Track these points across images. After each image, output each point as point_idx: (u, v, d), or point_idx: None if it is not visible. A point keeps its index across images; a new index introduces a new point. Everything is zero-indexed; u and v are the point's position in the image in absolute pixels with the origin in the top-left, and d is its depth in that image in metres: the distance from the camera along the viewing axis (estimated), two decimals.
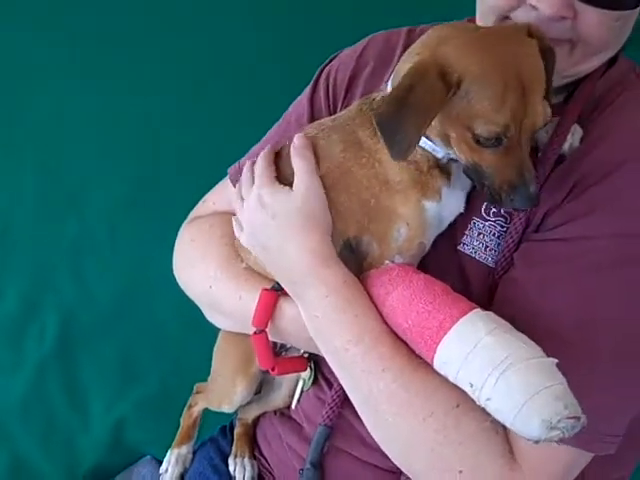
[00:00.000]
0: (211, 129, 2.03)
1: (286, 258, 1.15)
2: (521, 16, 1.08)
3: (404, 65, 1.05)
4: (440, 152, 1.08)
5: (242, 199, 1.25)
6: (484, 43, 1.00)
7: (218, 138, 2.01)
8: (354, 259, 1.13)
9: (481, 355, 0.92)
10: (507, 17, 1.10)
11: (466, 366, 0.93)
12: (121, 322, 2.04)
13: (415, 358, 1.03)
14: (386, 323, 1.06)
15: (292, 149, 1.17)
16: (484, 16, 1.15)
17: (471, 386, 0.92)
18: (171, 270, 1.47)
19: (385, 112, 1.01)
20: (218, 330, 1.44)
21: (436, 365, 0.98)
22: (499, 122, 0.97)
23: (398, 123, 0.99)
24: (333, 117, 1.24)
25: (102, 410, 2.03)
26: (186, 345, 2.02)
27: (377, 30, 1.41)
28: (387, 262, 1.11)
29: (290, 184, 1.16)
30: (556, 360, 0.91)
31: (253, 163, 1.25)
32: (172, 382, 2.00)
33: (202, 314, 1.42)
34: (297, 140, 1.17)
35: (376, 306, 1.08)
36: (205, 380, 1.55)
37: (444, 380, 0.98)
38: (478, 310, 0.98)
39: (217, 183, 1.51)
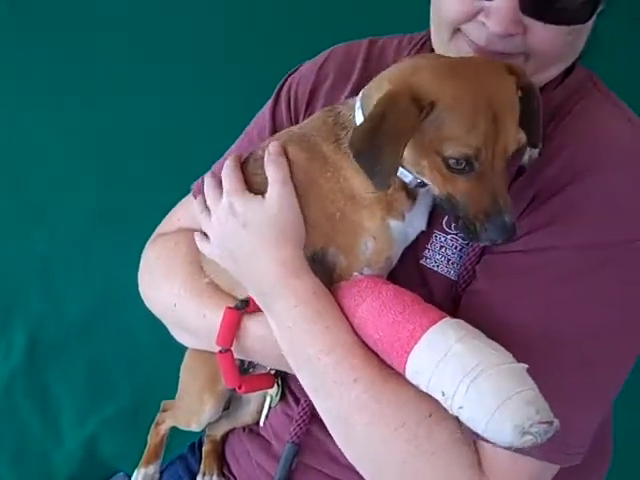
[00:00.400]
0: (180, 143, 2.03)
1: (256, 268, 1.14)
2: (472, 30, 1.08)
3: (375, 93, 1.05)
4: (408, 177, 1.08)
5: (207, 210, 1.23)
6: (458, 71, 1.01)
7: (187, 152, 2.01)
8: (322, 270, 1.13)
9: (452, 363, 0.93)
10: (459, 30, 1.10)
11: (437, 374, 0.94)
12: (91, 337, 2.05)
13: (386, 369, 1.03)
14: (357, 334, 1.07)
15: (267, 156, 1.16)
16: (437, 28, 1.16)
17: (443, 395, 0.93)
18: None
19: (360, 143, 1.01)
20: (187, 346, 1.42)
21: (408, 375, 0.98)
22: (470, 144, 0.97)
23: (375, 153, 0.99)
24: (299, 125, 1.24)
25: (74, 425, 2.04)
26: (157, 360, 2.02)
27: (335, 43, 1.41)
28: (355, 274, 1.11)
29: (258, 192, 1.15)
30: (526, 365, 0.92)
31: (214, 174, 1.24)
32: (144, 397, 2.00)
33: None
34: (272, 147, 1.16)
35: (347, 317, 1.08)
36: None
37: (416, 390, 0.99)
38: (448, 318, 0.99)
39: (186, 195, 1.50)
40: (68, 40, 2.02)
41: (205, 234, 1.26)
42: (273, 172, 1.14)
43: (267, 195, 1.14)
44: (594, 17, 1.08)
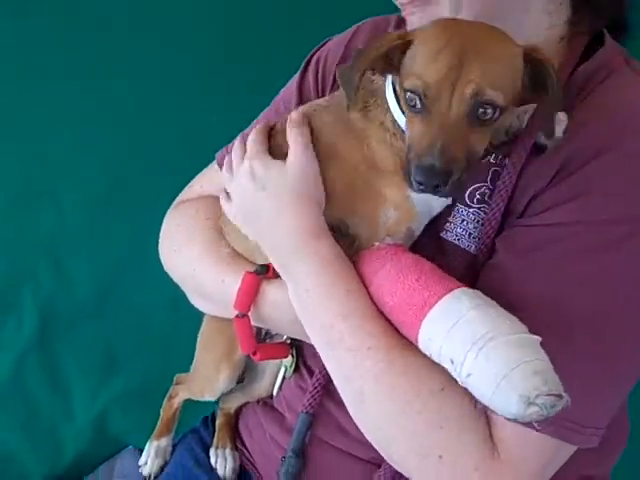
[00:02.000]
0: (190, 121, 2.03)
1: (277, 231, 1.16)
2: None
3: None
4: None
5: (232, 172, 1.26)
6: (456, 24, 1.04)
7: (197, 130, 2.01)
8: (343, 240, 1.14)
9: (463, 329, 0.93)
10: None
11: (448, 341, 0.94)
12: (102, 312, 2.05)
13: (402, 339, 1.04)
14: (374, 302, 1.07)
15: (288, 123, 1.19)
16: None
17: (452, 362, 0.93)
18: (153, 259, 1.48)
19: (346, 64, 1.08)
20: (201, 320, 1.46)
21: (420, 343, 0.99)
22: (422, 77, 0.99)
23: (350, 69, 1.05)
24: (326, 98, 1.27)
25: (84, 400, 2.04)
26: (169, 335, 2.02)
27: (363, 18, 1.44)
28: (377, 243, 1.12)
29: (283, 159, 1.17)
30: (539, 338, 0.92)
31: (244, 137, 1.26)
32: (155, 372, 2.00)
33: (185, 304, 1.44)
34: (294, 114, 1.20)
35: (364, 285, 1.09)
36: (188, 371, 1.56)
37: (430, 363, 0.99)
38: (464, 288, 1.00)
39: (196, 170, 1.54)
40: (79, 24, 2.04)
41: (229, 195, 1.29)
42: (294, 138, 1.17)
43: (287, 160, 1.16)
44: None
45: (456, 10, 1.10)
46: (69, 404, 2.04)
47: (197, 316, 1.46)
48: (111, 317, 2.03)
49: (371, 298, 1.08)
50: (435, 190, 0.99)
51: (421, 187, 1.00)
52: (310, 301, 1.12)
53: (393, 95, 1.11)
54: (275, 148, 1.22)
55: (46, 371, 2.03)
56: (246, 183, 1.20)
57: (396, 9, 1.26)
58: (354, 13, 1.44)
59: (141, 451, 1.67)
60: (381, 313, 1.07)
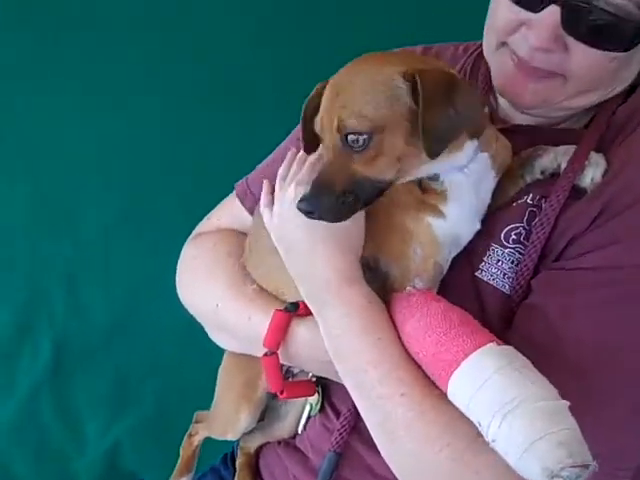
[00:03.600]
0: (206, 146, 2.06)
1: (311, 268, 1.16)
2: (517, 42, 1.12)
3: None
4: None
5: (272, 198, 1.25)
6: (362, 59, 1.11)
7: (213, 155, 2.05)
8: (374, 280, 1.14)
9: (488, 394, 0.92)
10: (505, 43, 1.14)
11: (474, 404, 0.94)
12: (116, 344, 2.07)
13: (434, 387, 1.03)
14: (406, 350, 1.07)
15: None
16: (487, 36, 1.20)
17: (479, 424, 0.93)
18: (167, 291, 1.49)
19: None
20: (217, 352, 1.45)
21: (449, 397, 0.98)
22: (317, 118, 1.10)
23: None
24: None
25: (97, 434, 2.06)
26: (183, 368, 2.05)
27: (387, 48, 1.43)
28: (408, 288, 1.12)
29: None
30: (567, 403, 0.90)
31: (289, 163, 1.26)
32: (168, 406, 2.04)
33: (200, 336, 1.44)
34: None
35: (396, 331, 1.09)
36: (202, 405, 1.56)
37: (462, 414, 0.98)
38: (492, 345, 0.98)
39: (212, 201, 1.53)
40: (99, 44, 2.06)
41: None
42: None
43: None
44: (637, 47, 1.09)
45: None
46: (81, 437, 2.07)
47: (212, 349, 1.44)
48: (125, 349, 2.06)
49: (404, 345, 1.07)
50: (311, 216, 1.06)
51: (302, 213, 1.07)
52: (341, 346, 1.12)
53: None
54: None
55: (59, 403, 2.06)
56: (289, 210, 1.17)
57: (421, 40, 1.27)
58: (377, 43, 1.43)
59: None
60: (413, 360, 1.06)
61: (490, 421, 0.90)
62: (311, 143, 1.17)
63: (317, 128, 1.10)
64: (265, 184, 1.28)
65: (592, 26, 1.05)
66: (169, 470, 1.61)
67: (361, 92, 1.04)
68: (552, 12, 1.05)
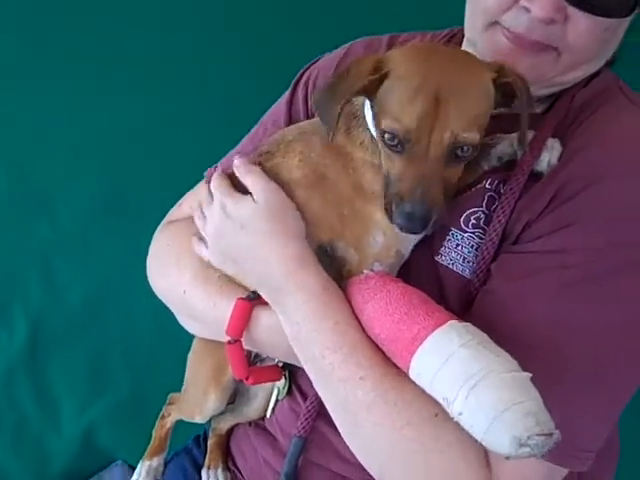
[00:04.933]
0: (185, 131, 2.06)
1: (262, 266, 1.17)
2: (512, 18, 1.12)
3: None
4: None
5: (204, 216, 1.29)
6: (430, 53, 1.07)
7: (192, 140, 2.05)
8: (331, 265, 1.16)
9: (453, 368, 0.94)
10: (496, 22, 1.15)
11: (439, 379, 0.95)
12: (92, 326, 2.08)
13: (393, 367, 1.05)
14: (365, 332, 1.09)
15: (236, 171, 1.23)
16: (472, 18, 1.20)
17: (444, 400, 0.95)
18: (144, 275, 1.49)
19: (320, 93, 1.10)
20: (191, 336, 1.46)
21: (412, 376, 1.01)
22: (401, 120, 1.02)
23: (327, 102, 1.07)
24: (312, 121, 1.28)
25: (73, 414, 2.07)
26: (158, 350, 2.06)
27: (360, 35, 1.44)
28: (366, 271, 1.14)
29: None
30: (530, 374, 0.93)
31: (208, 179, 1.29)
32: (143, 387, 2.05)
33: (174, 319, 1.45)
34: (236, 161, 1.24)
35: (355, 315, 1.11)
36: (176, 387, 1.57)
37: (422, 391, 1.00)
38: (454, 322, 1.01)
39: (191, 186, 1.54)
40: (79, 34, 2.07)
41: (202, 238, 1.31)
42: (249, 179, 1.21)
43: (257, 194, 1.18)
44: (633, 14, 1.13)
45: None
46: (57, 418, 2.07)
47: (186, 333, 1.45)
48: (100, 331, 2.07)
49: (362, 328, 1.09)
50: (416, 233, 1.06)
51: (402, 229, 1.05)
52: (300, 333, 1.13)
53: (371, 115, 1.13)
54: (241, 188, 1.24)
55: (35, 384, 2.06)
56: (221, 222, 1.22)
57: (387, 28, 1.27)
58: (345, 31, 1.44)
59: (129, 465, 1.68)
60: (372, 343, 1.08)
61: (457, 394, 0.92)
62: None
63: (408, 135, 1.01)
64: (194, 208, 1.32)
65: None
66: (144, 451, 1.63)
67: (470, 101, 1.02)
68: None
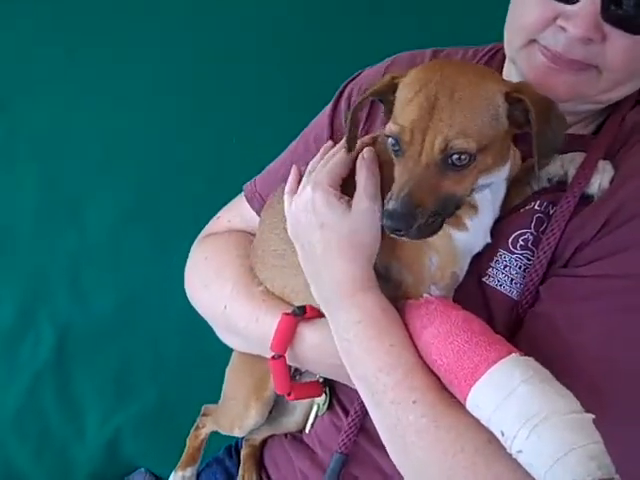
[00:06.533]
0: (216, 142, 2.06)
1: (325, 272, 1.16)
2: (549, 37, 1.12)
3: None
4: None
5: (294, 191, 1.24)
6: (441, 67, 1.07)
7: (223, 151, 2.05)
8: (387, 287, 1.15)
9: (515, 405, 0.93)
10: (534, 40, 1.15)
11: (498, 414, 0.94)
12: (118, 335, 2.08)
13: (447, 393, 1.04)
14: (420, 357, 1.08)
15: (360, 160, 1.17)
16: (511, 36, 1.20)
17: (502, 434, 0.94)
18: (171, 284, 1.50)
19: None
20: (220, 346, 1.46)
21: (468, 407, 1.00)
22: (398, 122, 1.04)
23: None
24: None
25: (97, 422, 2.07)
26: (185, 360, 2.06)
27: (397, 51, 1.45)
28: (425, 295, 1.13)
29: (348, 195, 1.17)
30: (592, 416, 0.92)
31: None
32: (169, 397, 2.05)
33: (203, 329, 1.46)
34: (366, 153, 1.18)
35: (412, 339, 1.10)
36: (204, 396, 1.59)
37: (476, 421, 0.99)
38: (515, 355, 0.99)
39: (220, 197, 1.55)
40: (110, 41, 2.07)
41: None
42: (364, 181, 1.15)
43: (353, 204, 1.15)
44: None
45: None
46: (82, 425, 2.07)
47: (215, 342, 1.46)
48: (127, 339, 2.07)
49: (418, 352, 1.08)
50: (398, 234, 1.04)
51: (387, 229, 1.05)
52: (353, 350, 1.13)
53: None
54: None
55: (60, 392, 2.07)
56: (304, 212, 1.18)
57: (430, 43, 1.28)
58: (387, 46, 1.45)
59: (153, 474, 1.68)
60: (428, 368, 1.07)
61: (517, 432, 0.91)
62: (355, 135, 1.17)
63: (402, 136, 1.03)
64: (293, 170, 1.27)
65: (632, 12, 1.07)
66: (169, 460, 1.65)
67: (468, 110, 1.01)
68: (592, 1, 1.07)
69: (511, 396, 0.94)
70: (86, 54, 2.04)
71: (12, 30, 2.02)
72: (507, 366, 0.97)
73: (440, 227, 1.05)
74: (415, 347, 1.09)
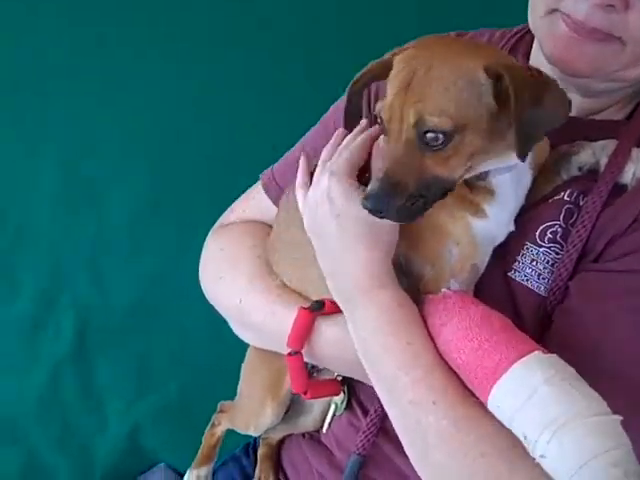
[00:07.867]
0: (236, 130, 2.05)
1: (342, 266, 1.12)
2: (570, 6, 1.06)
3: None
4: None
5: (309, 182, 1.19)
6: (432, 43, 1.06)
7: (243, 139, 2.04)
8: (407, 281, 1.11)
9: (536, 407, 0.89)
10: (555, 9, 1.09)
11: (520, 417, 0.90)
12: (140, 325, 2.08)
13: (468, 394, 1.00)
14: (440, 355, 1.03)
15: (376, 148, 1.13)
16: (534, 5, 1.15)
17: (525, 438, 0.90)
18: (193, 273, 1.47)
19: None
20: (240, 340, 1.42)
21: (489, 407, 0.95)
22: (382, 99, 1.02)
23: None
24: None
25: (118, 414, 2.08)
26: (206, 352, 2.06)
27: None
28: (444, 290, 1.08)
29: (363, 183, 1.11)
30: (620, 418, 0.87)
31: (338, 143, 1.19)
32: (190, 390, 2.05)
33: (224, 320, 1.42)
34: (383, 140, 1.12)
35: (430, 335, 1.05)
36: (224, 390, 1.55)
37: (498, 422, 0.95)
38: (537, 353, 0.94)
39: (241, 185, 1.51)
40: (136, 32, 2.08)
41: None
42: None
43: None
44: None
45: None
46: (103, 418, 2.08)
47: (236, 336, 1.42)
48: (148, 332, 2.07)
49: (437, 350, 1.04)
50: (379, 215, 1.00)
51: (368, 210, 1.00)
52: (371, 348, 1.08)
53: None
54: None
55: (81, 384, 2.07)
56: (321, 201, 1.13)
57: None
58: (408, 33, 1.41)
59: (172, 468, 1.66)
60: (448, 367, 1.02)
61: (539, 436, 0.87)
62: (353, 118, 1.15)
63: (383, 114, 1.01)
64: (302, 161, 1.22)
65: None
66: (189, 453, 1.62)
67: (443, 87, 0.97)
68: None
69: (532, 397, 0.89)
70: (107, 44, 2.05)
71: (34, 23, 2.03)
72: (529, 365, 0.92)
73: (424, 210, 1.01)
74: (434, 345, 1.04)
